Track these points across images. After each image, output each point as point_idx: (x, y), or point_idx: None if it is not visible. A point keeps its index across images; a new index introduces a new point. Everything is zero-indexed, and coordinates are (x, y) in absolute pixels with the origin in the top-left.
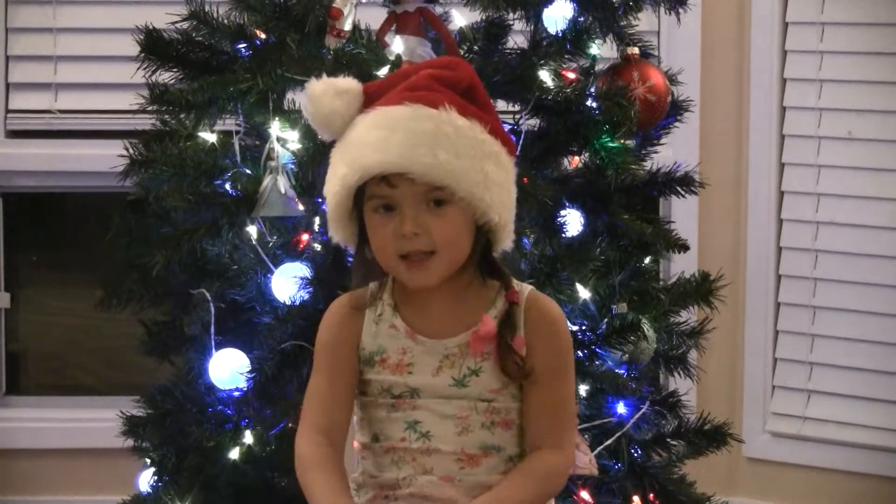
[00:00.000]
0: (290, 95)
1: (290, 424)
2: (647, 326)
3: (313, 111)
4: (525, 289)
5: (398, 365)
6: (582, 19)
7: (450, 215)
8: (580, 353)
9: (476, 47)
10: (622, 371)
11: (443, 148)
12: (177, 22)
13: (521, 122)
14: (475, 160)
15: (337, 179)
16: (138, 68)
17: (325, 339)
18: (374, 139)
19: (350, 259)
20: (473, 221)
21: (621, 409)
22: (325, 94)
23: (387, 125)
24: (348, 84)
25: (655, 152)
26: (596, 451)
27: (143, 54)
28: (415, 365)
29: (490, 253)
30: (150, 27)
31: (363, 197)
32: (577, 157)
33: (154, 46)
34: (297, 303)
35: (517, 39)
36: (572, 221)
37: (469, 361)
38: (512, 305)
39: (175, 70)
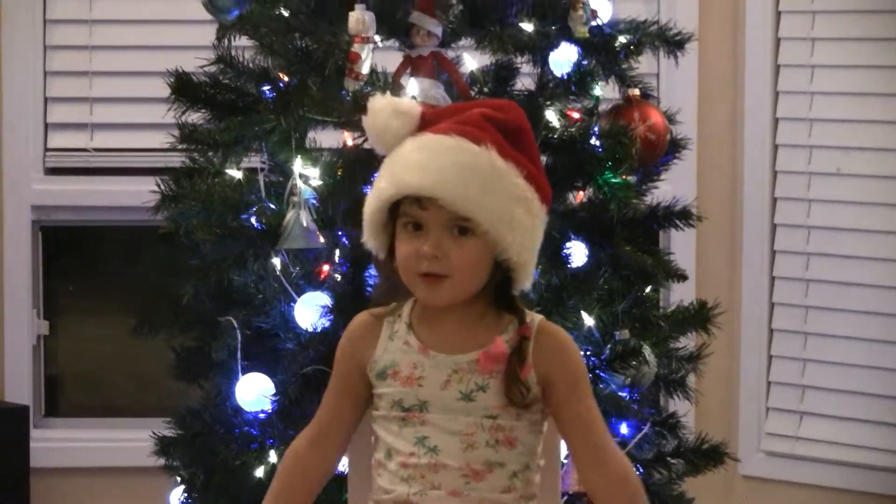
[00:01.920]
0: (311, 135)
1: None
2: (647, 352)
3: (369, 124)
4: (536, 318)
5: (409, 378)
6: (586, 63)
7: (470, 245)
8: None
9: (486, 89)
10: (625, 394)
11: (476, 183)
12: (205, 66)
13: None
14: (504, 200)
15: (376, 191)
16: (169, 109)
17: (341, 349)
18: (415, 161)
19: (369, 289)
20: (493, 256)
21: (624, 429)
22: (383, 110)
23: (430, 151)
24: (408, 106)
25: (655, 187)
26: None
27: (173, 96)
28: (425, 378)
29: (509, 289)
30: (181, 70)
31: (398, 211)
32: (581, 192)
33: (184, 88)
34: (319, 330)
35: (525, 82)
36: (577, 253)
37: (477, 378)
38: (523, 340)
39: (203, 111)
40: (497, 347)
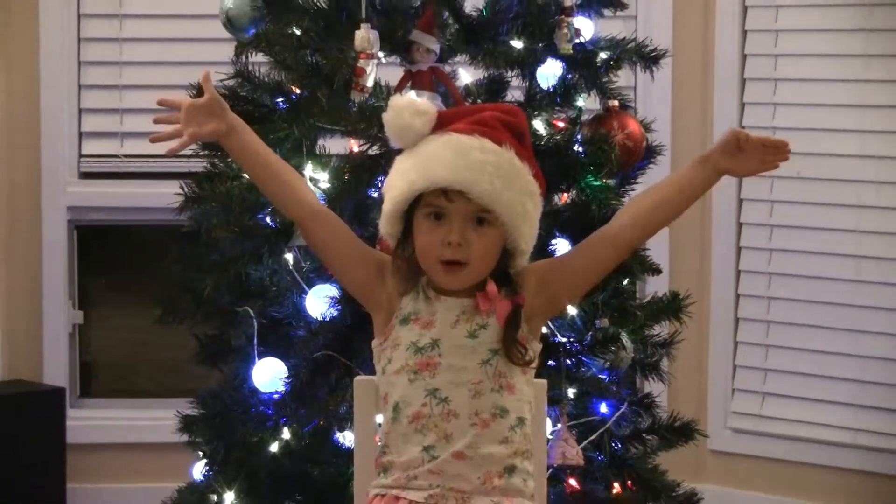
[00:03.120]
0: (321, 142)
1: (321, 423)
2: (625, 338)
3: (391, 121)
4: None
5: (427, 322)
6: (570, 76)
7: (489, 235)
8: (569, 361)
9: (480, 100)
10: (605, 376)
11: (500, 178)
12: (225, 79)
13: None
14: (521, 195)
15: (406, 183)
16: None
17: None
18: (446, 158)
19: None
20: (503, 244)
21: (604, 408)
22: (406, 109)
23: (458, 149)
24: (427, 107)
25: (633, 190)
26: (582, 445)
27: None
28: (438, 320)
29: (507, 268)
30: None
31: (416, 202)
32: (565, 194)
33: None
34: (328, 318)
35: (514, 94)
36: (562, 249)
37: (478, 318)
38: (517, 307)
39: None
40: (490, 287)
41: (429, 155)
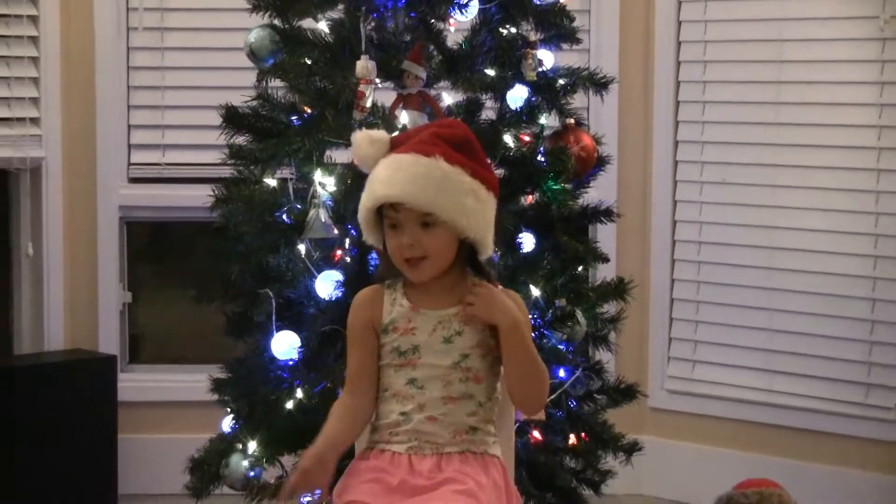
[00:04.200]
0: (328, 153)
1: (328, 384)
2: (580, 315)
3: (354, 152)
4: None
5: (405, 329)
6: (534, 99)
7: (436, 233)
8: (533, 335)
9: (459, 118)
10: (562, 347)
11: (431, 186)
12: (248, 101)
13: None
14: (455, 195)
15: (361, 203)
16: (221, 133)
17: (352, 321)
18: (384, 177)
19: (372, 269)
20: (456, 237)
21: (562, 373)
22: (363, 140)
23: (395, 167)
24: (380, 135)
25: (586, 192)
26: None
27: (224, 124)
28: (417, 328)
29: (477, 258)
30: (230, 105)
31: (383, 214)
32: (530, 196)
33: (232, 118)
34: (334, 299)
35: (488, 113)
36: (527, 241)
37: (455, 325)
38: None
39: (247, 135)
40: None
41: (374, 176)
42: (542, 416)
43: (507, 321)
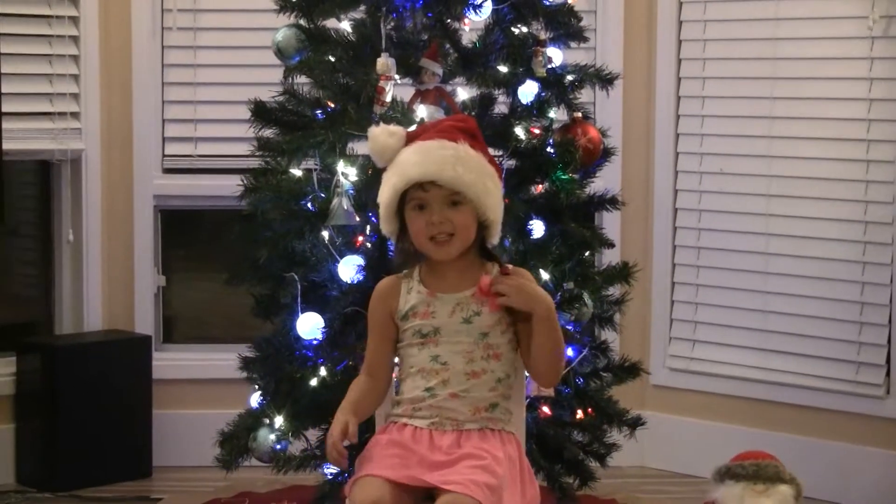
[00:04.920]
0: (350, 145)
1: (350, 363)
2: (587, 297)
3: (372, 146)
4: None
5: (425, 313)
6: (544, 94)
7: (463, 211)
8: None
9: (473, 112)
10: (570, 327)
11: (460, 166)
12: (275, 96)
13: (503, 162)
14: (480, 176)
15: (389, 187)
16: (250, 127)
17: (372, 310)
18: (415, 160)
19: (391, 254)
20: (477, 218)
21: (570, 352)
22: (381, 133)
23: (424, 152)
24: (397, 129)
25: (592, 182)
26: None
27: (253, 117)
28: (436, 312)
29: (485, 244)
30: (258, 100)
31: (404, 202)
32: (540, 186)
33: (260, 112)
34: (355, 282)
35: (501, 108)
36: (537, 228)
37: (473, 306)
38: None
39: (274, 128)
40: (484, 283)
41: (403, 161)
42: (551, 392)
43: (542, 308)
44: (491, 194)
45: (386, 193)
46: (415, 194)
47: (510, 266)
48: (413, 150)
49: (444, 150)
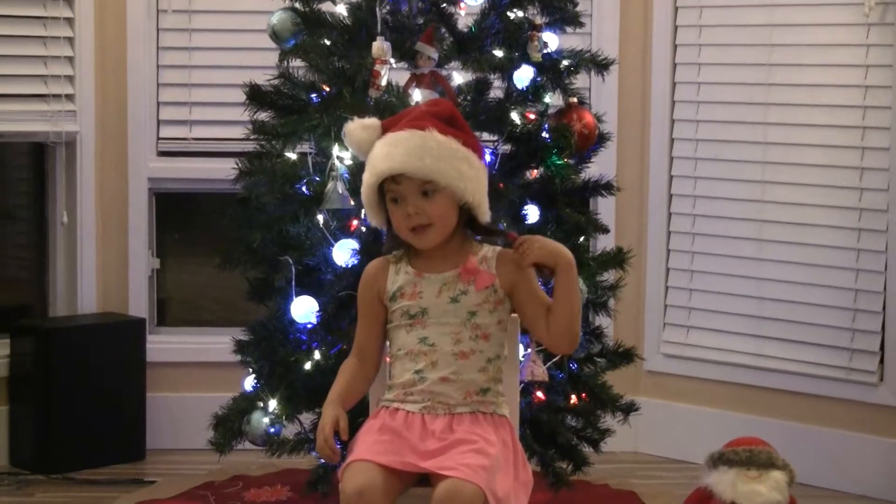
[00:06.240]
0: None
1: (343, 347)
2: (581, 283)
3: (349, 141)
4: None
5: (412, 294)
6: (539, 79)
7: (437, 200)
8: None
9: (469, 97)
10: None
11: (428, 156)
12: (271, 79)
13: (498, 146)
14: (451, 162)
15: (364, 182)
16: (245, 110)
17: (361, 291)
18: (384, 153)
19: (384, 238)
20: (456, 203)
21: None
22: (356, 129)
23: (392, 144)
24: (371, 122)
25: (587, 167)
26: (547, 365)
27: (248, 101)
28: (423, 292)
29: (477, 222)
30: (253, 83)
31: (384, 196)
32: (535, 171)
33: (256, 96)
34: (350, 266)
35: (496, 92)
36: (532, 213)
37: (460, 285)
38: (512, 243)
39: (269, 111)
40: (470, 263)
41: (374, 155)
42: (545, 376)
43: (564, 259)
44: (466, 177)
45: (363, 189)
46: (389, 187)
47: (500, 249)
48: (383, 143)
49: (412, 141)
